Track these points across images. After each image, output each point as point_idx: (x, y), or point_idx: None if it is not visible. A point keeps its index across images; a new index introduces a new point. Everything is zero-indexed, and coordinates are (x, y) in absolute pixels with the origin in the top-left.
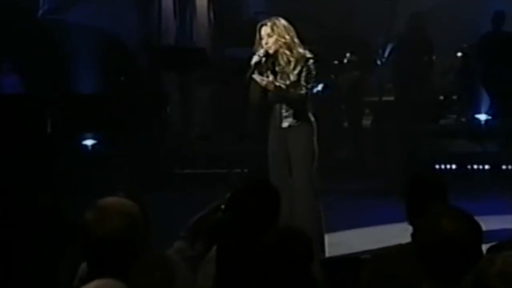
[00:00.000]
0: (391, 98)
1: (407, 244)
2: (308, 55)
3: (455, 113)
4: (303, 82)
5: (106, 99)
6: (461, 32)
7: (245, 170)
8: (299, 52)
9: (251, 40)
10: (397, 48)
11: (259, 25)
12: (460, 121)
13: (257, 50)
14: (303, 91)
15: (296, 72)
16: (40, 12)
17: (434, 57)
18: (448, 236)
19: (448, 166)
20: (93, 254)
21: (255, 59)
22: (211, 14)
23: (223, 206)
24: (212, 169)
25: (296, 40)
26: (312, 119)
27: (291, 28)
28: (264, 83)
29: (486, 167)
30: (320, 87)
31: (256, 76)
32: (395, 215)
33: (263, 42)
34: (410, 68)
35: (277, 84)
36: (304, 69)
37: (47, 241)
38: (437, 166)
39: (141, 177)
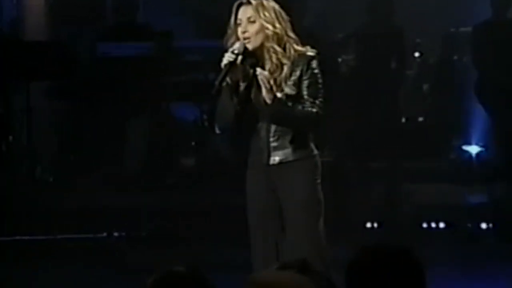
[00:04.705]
0: (347, 122)
1: None
2: (310, 52)
3: (434, 144)
4: (307, 97)
5: None
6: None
7: (136, 233)
8: (295, 50)
9: (132, 31)
10: (356, 48)
11: (236, 4)
12: (441, 156)
13: (229, 42)
14: (314, 109)
15: (293, 79)
16: None
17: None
18: None
19: (433, 225)
20: None
21: (227, 58)
22: None
23: None
24: (75, 233)
25: (291, 34)
26: (315, 151)
27: (284, 16)
28: (268, 96)
29: (489, 225)
30: None
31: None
32: None
33: (240, 30)
34: (372, 78)
35: (279, 95)
36: (306, 76)
37: None
38: (424, 225)
39: None
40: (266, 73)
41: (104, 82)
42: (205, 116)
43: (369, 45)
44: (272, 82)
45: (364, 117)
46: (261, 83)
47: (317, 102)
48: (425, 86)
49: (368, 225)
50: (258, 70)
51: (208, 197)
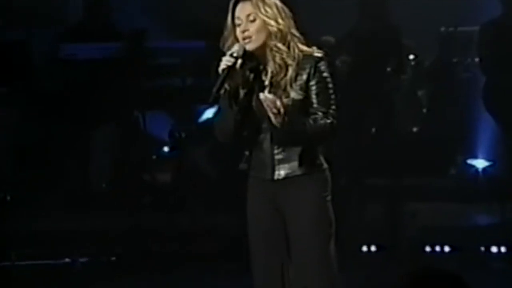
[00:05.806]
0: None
1: None
2: (317, 53)
3: (435, 158)
4: (317, 106)
5: None
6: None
7: (108, 258)
8: (301, 50)
9: (100, 30)
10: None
11: (233, 0)
12: (443, 172)
13: (226, 45)
14: (328, 120)
15: (299, 84)
16: None
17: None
18: None
19: (437, 248)
20: None
21: (225, 62)
22: None
23: None
24: (35, 259)
25: (295, 31)
26: (325, 165)
27: (287, 12)
28: (277, 120)
29: (502, 249)
30: (211, 112)
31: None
32: None
33: (240, 30)
34: (366, 84)
35: (285, 101)
36: (314, 80)
37: None
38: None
39: None
40: (270, 96)
41: (67, 88)
42: (181, 126)
43: (362, 49)
44: (279, 103)
45: (358, 128)
46: (267, 108)
47: (330, 111)
48: (422, 92)
49: (365, 248)
50: (261, 95)
51: (186, 217)
